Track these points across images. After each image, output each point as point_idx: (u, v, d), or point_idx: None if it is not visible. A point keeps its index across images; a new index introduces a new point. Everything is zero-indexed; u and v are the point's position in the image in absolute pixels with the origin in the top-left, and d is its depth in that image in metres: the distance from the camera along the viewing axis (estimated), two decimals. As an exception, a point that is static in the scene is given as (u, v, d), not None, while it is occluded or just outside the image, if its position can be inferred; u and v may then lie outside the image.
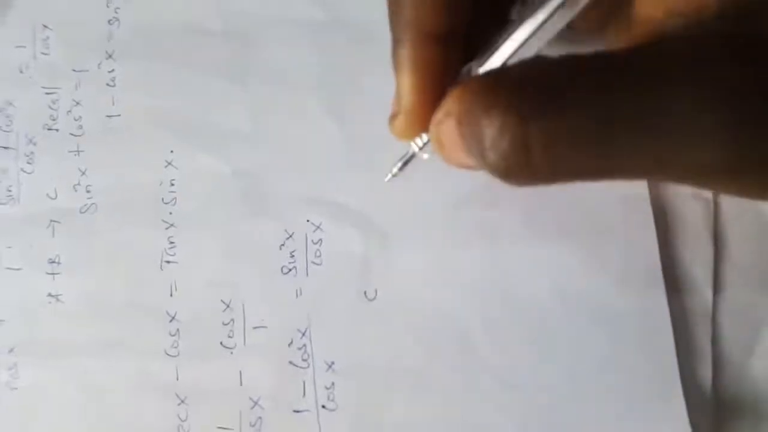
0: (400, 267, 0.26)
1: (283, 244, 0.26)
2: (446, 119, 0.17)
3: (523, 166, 0.15)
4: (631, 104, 0.15)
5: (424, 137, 0.20)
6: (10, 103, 0.29)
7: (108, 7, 0.29)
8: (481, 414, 0.24)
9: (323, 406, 0.25)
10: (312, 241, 0.26)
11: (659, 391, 0.24)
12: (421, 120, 0.19)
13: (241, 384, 0.25)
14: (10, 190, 0.28)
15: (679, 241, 0.25)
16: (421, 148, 0.20)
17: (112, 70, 0.28)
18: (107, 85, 0.28)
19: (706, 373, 0.24)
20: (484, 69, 0.18)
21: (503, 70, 0.16)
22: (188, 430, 0.25)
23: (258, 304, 0.26)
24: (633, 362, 0.24)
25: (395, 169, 0.21)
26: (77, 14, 0.29)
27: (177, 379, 0.26)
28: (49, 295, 0.27)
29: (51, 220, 0.27)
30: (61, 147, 0.28)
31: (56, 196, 0.28)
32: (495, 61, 0.17)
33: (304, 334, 0.25)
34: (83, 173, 0.28)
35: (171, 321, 0.26)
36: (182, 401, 0.25)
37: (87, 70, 0.28)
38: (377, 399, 0.25)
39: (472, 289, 0.25)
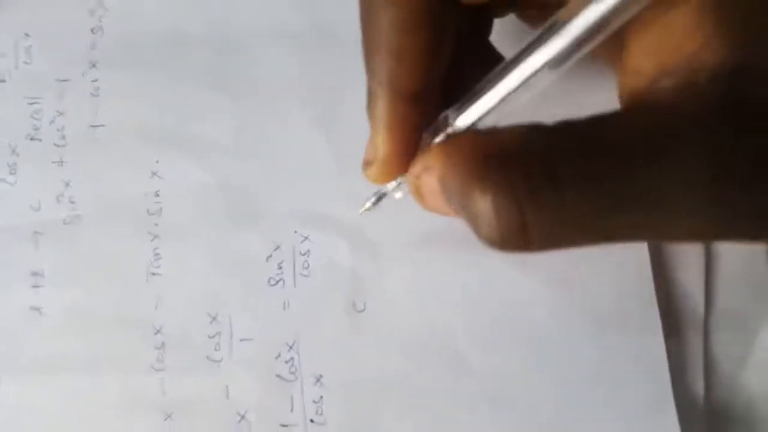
0: (388, 278, 0.25)
1: (270, 256, 0.26)
2: (426, 174, 0.17)
3: (518, 242, 0.15)
4: (627, 186, 0.15)
5: (399, 180, 0.20)
6: (-8, 113, 0.28)
7: (92, 15, 0.28)
8: (470, 427, 0.24)
9: (311, 420, 0.25)
10: (300, 252, 0.26)
11: (651, 403, 0.23)
12: (396, 169, 0.19)
13: (228, 398, 0.25)
14: (-9, 202, 0.27)
15: (670, 253, 0.24)
16: (394, 189, 0.20)
17: (96, 80, 0.28)
18: (91, 94, 0.28)
19: (698, 384, 0.24)
20: (462, 120, 0.17)
21: (492, 137, 0.16)
22: (174, 446, 0.25)
23: (245, 316, 0.26)
24: (625, 374, 0.24)
25: (368, 204, 0.21)
26: (60, 23, 0.28)
27: (163, 394, 0.25)
28: (32, 308, 0.26)
29: (34, 232, 0.27)
30: (44, 157, 0.27)
31: (39, 207, 0.27)
32: (474, 112, 0.17)
33: (291, 347, 0.25)
34: (67, 184, 0.27)
35: (156, 334, 0.26)
36: (169, 416, 0.25)
37: (70, 80, 0.28)
38: (366, 412, 0.24)
39: (461, 301, 0.25)
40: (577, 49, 0.15)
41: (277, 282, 0.26)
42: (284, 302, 0.26)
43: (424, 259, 0.25)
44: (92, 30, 0.28)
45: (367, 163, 0.20)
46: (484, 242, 0.16)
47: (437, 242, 0.25)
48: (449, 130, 0.17)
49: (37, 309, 0.26)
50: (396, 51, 0.18)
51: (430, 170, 0.17)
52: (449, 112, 0.18)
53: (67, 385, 0.25)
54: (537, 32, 0.15)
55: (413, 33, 0.17)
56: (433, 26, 0.17)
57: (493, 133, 0.16)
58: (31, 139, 0.28)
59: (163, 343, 0.26)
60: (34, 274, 0.27)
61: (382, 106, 0.18)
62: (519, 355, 0.24)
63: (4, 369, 0.26)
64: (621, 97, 0.17)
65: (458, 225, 0.25)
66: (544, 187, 0.15)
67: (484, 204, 0.15)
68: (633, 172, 0.15)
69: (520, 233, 0.15)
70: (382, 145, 0.19)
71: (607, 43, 0.15)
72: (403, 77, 0.18)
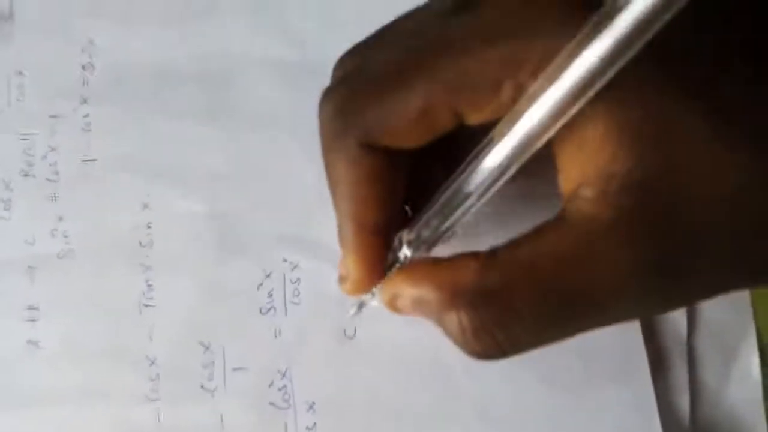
0: (378, 305, 0.26)
1: (261, 284, 0.26)
2: (398, 299, 0.21)
3: (495, 356, 0.19)
4: (569, 301, 0.18)
5: (374, 290, 0.22)
6: (-14, 150, 0.29)
7: (82, 52, 0.29)
8: (463, 448, 0.25)
9: (306, 447, 0.25)
10: (290, 280, 0.26)
11: (636, 421, 0.24)
12: (367, 286, 0.22)
13: (222, 427, 0.25)
14: (-14, 237, 0.28)
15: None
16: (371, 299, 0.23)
17: (87, 115, 0.28)
18: (83, 129, 0.28)
19: (683, 399, 0.24)
20: (412, 237, 0.20)
21: (454, 272, 0.19)
22: (171, 475, 0.25)
23: (237, 345, 0.26)
24: (611, 394, 0.24)
25: (352, 311, 0.23)
26: (52, 60, 0.29)
27: (158, 424, 0.25)
28: (29, 342, 0.27)
29: (29, 266, 0.27)
30: (37, 193, 0.28)
31: (34, 242, 0.28)
32: (426, 231, 0.20)
33: (284, 375, 0.26)
34: (60, 219, 0.28)
35: (151, 365, 0.26)
36: (165, 445, 0.25)
37: (62, 116, 0.29)
38: (359, 438, 0.25)
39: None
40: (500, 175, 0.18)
41: (268, 310, 0.26)
42: (275, 330, 0.26)
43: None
44: (83, 66, 0.29)
45: (341, 279, 0.22)
46: (463, 352, 0.19)
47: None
48: (403, 251, 0.21)
49: (34, 342, 0.27)
50: (356, 199, 0.20)
51: (398, 297, 0.21)
52: (403, 234, 0.21)
53: (64, 417, 0.26)
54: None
55: (369, 186, 0.20)
56: (386, 178, 0.20)
57: (449, 264, 0.19)
58: (25, 175, 0.28)
59: (157, 374, 0.26)
60: (30, 307, 0.27)
61: (349, 237, 0.21)
62: (509, 375, 0.25)
63: (1, 402, 0.26)
64: (561, 189, 0.18)
65: (447, 250, 0.26)
66: (510, 318, 0.18)
67: (460, 331, 0.19)
68: (567, 287, 0.17)
69: (496, 351, 0.19)
70: (353, 268, 0.21)
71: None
72: (365, 216, 0.20)
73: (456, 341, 0.19)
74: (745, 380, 0.24)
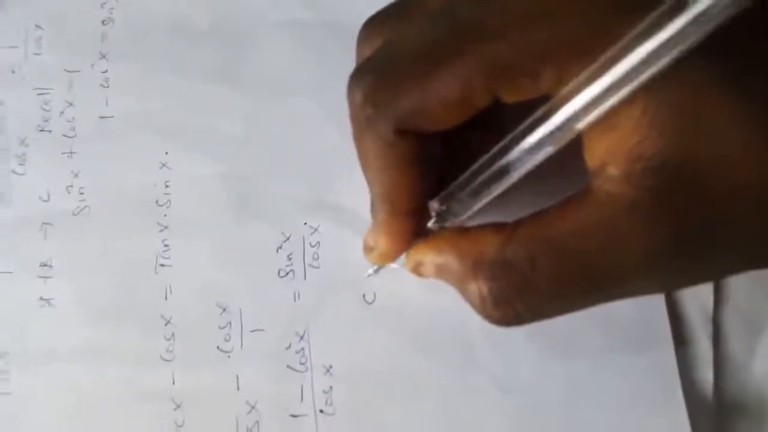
0: (399, 270, 0.25)
1: (280, 247, 0.26)
2: (422, 267, 0.21)
3: (513, 323, 0.19)
4: (589, 276, 0.18)
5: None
6: (2, 104, 0.28)
7: (102, 7, 0.28)
8: (479, 418, 0.24)
9: (321, 411, 0.25)
10: (310, 243, 0.26)
11: (659, 394, 0.24)
12: (395, 256, 0.22)
13: (238, 388, 0.25)
14: (1, 192, 0.27)
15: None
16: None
17: (106, 71, 0.28)
18: (101, 86, 0.28)
19: (707, 375, 0.24)
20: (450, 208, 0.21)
21: (477, 243, 0.19)
22: (184, 436, 0.25)
23: (255, 307, 0.26)
24: (632, 365, 0.24)
25: (371, 271, 0.24)
26: (70, 14, 0.28)
27: (173, 384, 0.25)
28: (41, 299, 0.26)
29: (43, 223, 0.27)
30: (53, 148, 0.27)
31: (49, 198, 0.27)
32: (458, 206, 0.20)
33: (302, 338, 0.25)
34: (76, 175, 0.27)
35: (166, 325, 0.26)
36: (178, 406, 0.25)
37: (80, 71, 0.28)
38: (375, 403, 0.25)
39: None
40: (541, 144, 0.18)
41: (287, 273, 0.26)
42: (294, 293, 0.26)
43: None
44: (102, 21, 0.28)
45: (367, 248, 0.23)
46: (482, 318, 0.20)
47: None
48: (432, 222, 0.21)
49: (47, 300, 0.26)
50: (388, 182, 0.20)
51: (422, 264, 0.21)
52: (433, 204, 0.21)
53: (77, 376, 0.25)
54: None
55: (404, 172, 0.20)
56: (421, 162, 0.20)
57: (474, 234, 0.20)
58: (41, 130, 0.28)
59: (173, 334, 0.26)
60: (43, 265, 0.27)
61: (382, 218, 0.21)
62: (527, 345, 0.25)
63: (14, 360, 0.26)
64: (587, 167, 0.18)
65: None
66: (529, 289, 0.18)
67: (480, 299, 0.19)
68: (588, 261, 0.18)
69: (515, 319, 0.19)
70: (382, 243, 0.22)
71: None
72: (398, 200, 0.21)
73: (476, 309, 0.20)
74: (770, 357, 0.24)
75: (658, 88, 0.16)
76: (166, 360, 0.25)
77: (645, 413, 0.24)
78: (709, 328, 0.24)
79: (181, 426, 0.25)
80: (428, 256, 0.21)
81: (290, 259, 0.26)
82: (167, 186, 0.27)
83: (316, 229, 0.26)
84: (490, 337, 0.25)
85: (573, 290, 0.18)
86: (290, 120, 0.27)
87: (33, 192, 0.27)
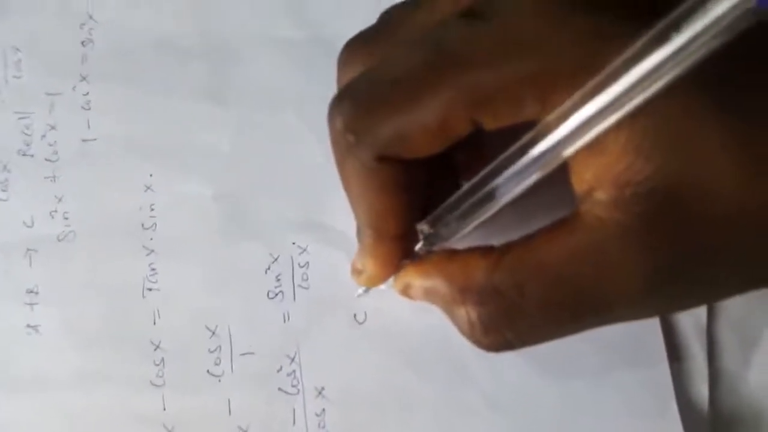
0: (389, 289, 0.25)
1: (268, 268, 0.26)
2: (410, 289, 0.21)
3: (503, 349, 0.19)
4: (579, 303, 0.18)
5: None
6: (-18, 129, 0.28)
7: (81, 28, 0.28)
8: (473, 434, 0.24)
9: (314, 433, 0.24)
10: (298, 264, 0.26)
11: (654, 408, 0.23)
12: (383, 279, 0.22)
13: (229, 413, 0.25)
14: (-16, 219, 0.27)
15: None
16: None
17: (87, 93, 0.28)
18: (82, 108, 0.28)
19: (702, 387, 0.24)
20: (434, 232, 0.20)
21: (464, 269, 0.19)
22: (177, 462, 0.24)
23: (245, 330, 0.25)
24: (626, 379, 0.24)
25: (360, 291, 0.24)
26: (50, 36, 0.28)
27: (164, 409, 0.25)
28: (28, 326, 0.26)
29: (28, 249, 0.27)
30: (36, 173, 0.27)
31: (33, 224, 0.27)
32: (444, 229, 0.20)
33: (293, 360, 0.25)
34: (60, 200, 0.27)
35: (155, 350, 0.25)
36: (170, 431, 0.25)
37: (61, 93, 0.28)
38: (368, 424, 0.24)
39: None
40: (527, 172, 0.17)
41: (276, 294, 0.26)
42: (284, 315, 0.25)
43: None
44: (82, 43, 0.28)
45: (356, 272, 0.22)
46: (472, 345, 0.20)
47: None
48: (420, 245, 0.21)
49: (33, 327, 0.26)
50: (373, 209, 0.20)
51: (410, 287, 0.21)
52: (422, 227, 0.20)
53: (66, 403, 0.25)
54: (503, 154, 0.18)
55: (387, 199, 0.20)
56: (403, 188, 0.20)
57: (462, 259, 0.20)
58: (23, 155, 0.27)
59: (162, 359, 0.25)
60: (29, 291, 0.26)
61: (368, 243, 0.21)
62: (520, 362, 0.24)
63: (1, 387, 0.25)
64: (574, 192, 0.18)
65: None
66: (518, 316, 0.18)
67: (468, 324, 0.19)
68: (577, 287, 0.18)
69: (504, 345, 0.19)
70: (369, 267, 0.22)
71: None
72: (382, 226, 0.20)
73: (465, 334, 0.20)
74: (765, 368, 0.24)
75: (647, 111, 0.16)
76: (156, 385, 0.25)
77: (640, 430, 0.23)
78: (704, 341, 0.24)
79: (173, 452, 0.24)
80: (416, 279, 0.21)
81: (279, 279, 0.26)
82: (152, 209, 0.26)
83: (304, 249, 0.26)
84: (482, 355, 0.24)
85: (563, 317, 0.18)
86: (278, 138, 0.27)
87: (16, 218, 0.27)
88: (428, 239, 0.20)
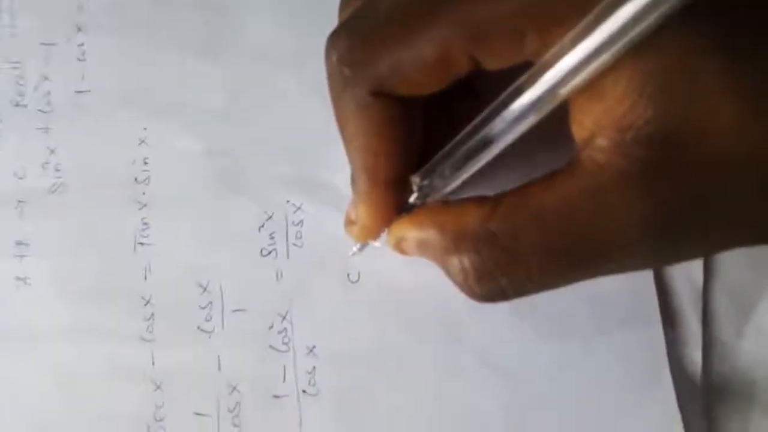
0: (383, 249, 0.25)
1: (262, 226, 0.25)
2: (404, 242, 0.21)
3: (497, 299, 0.19)
4: (574, 247, 0.17)
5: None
6: (-26, 79, 0.27)
7: (78, -24, 0.27)
8: (466, 397, 0.24)
9: (304, 391, 0.24)
10: (292, 222, 0.25)
11: (647, 371, 0.23)
12: (377, 231, 0.22)
13: (219, 369, 0.24)
14: (-26, 170, 0.27)
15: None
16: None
17: (82, 44, 0.27)
18: (77, 59, 0.27)
19: (695, 355, 0.24)
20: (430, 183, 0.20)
21: (458, 216, 0.19)
22: (164, 416, 0.24)
23: (237, 287, 0.25)
24: (620, 343, 0.24)
25: (355, 249, 0.23)
26: (45, -16, 0.28)
27: (152, 365, 0.25)
28: (17, 278, 0.26)
29: (18, 201, 0.26)
30: (28, 124, 0.27)
31: (24, 175, 0.26)
32: (439, 179, 0.20)
33: (284, 318, 0.25)
34: (52, 151, 0.26)
35: (146, 305, 0.25)
36: (158, 387, 0.24)
37: (56, 44, 0.27)
38: (360, 383, 0.24)
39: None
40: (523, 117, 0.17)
41: (270, 252, 0.25)
42: (277, 273, 0.25)
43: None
44: (78, -9, 0.27)
45: (349, 223, 0.22)
46: (466, 295, 0.19)
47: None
48: (414, 197, 0.20)
49: (22, 279, 0.26)
50: (369, 151, 0.20)
51: (403, 240, 0.21)
52: (415, 179, 0.20)
53: (54, 356, 0.25)
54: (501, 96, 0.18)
55: (382, 138, 0.19)
56: (399, 128, 0.19)
57: (457, 208, 0.19)
58: (16, 105, 0.27)
59: (152, 314, 0.25)
60: (19, 243, 0.26)
61: (362, 189, 0.20)
62: (515, 324, 0.24)
63: (-11, 339, 0.25)
64: (574, 139, 0.18)
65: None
66: (513, 263, 0.18)
67: (462, 274, 0.19)
68: (576, 234, 0.17)
69: (498, 294, 0.19)
70: (364, 216, 0.21)
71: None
72: (378, 169, 0.20)
73: (458, 284, 0.19)
74: (759, 337, 0.24)
75: (647, 54, 0.15)
76: (145, 340, 0.25)
77: (632, 393, 0.23)
78: (699, 308, 0.24)
79: (161, 407, 0.24)
80: (410, 231, 0.20)
81: (272, 237, 0.25)
82: (146, 163, 0.26)
83: (299, 208, 0.26)
84: (477, 314, 0.24)
85: (559, 264, 0.18)
86: (273, 94, 0.26)
87: (8, 169, 0.26)
88: (422, 191, 0.20)
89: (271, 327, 0.25)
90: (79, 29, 0.27)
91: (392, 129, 0.19)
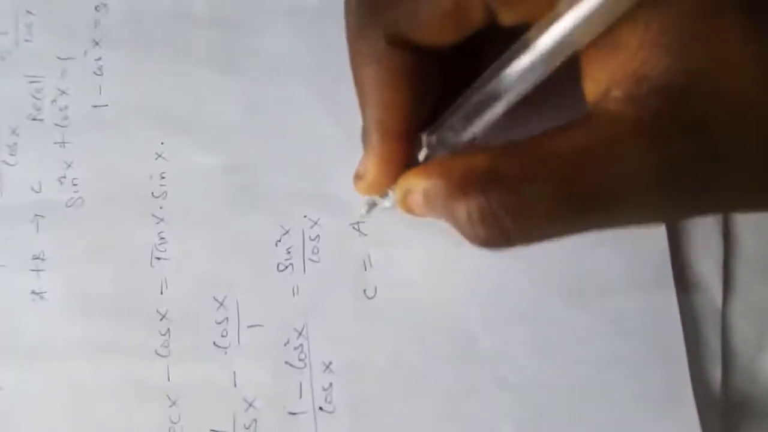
0: (400, 264, 0.25)
1: (279, 241, 0.25)
2: (411, 194, 0.20)
3: (501, 244, 0.18)
4: (582, 194, 0.17)
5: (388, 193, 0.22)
6: (-8, 92, 0.27)
7: (95, -8, 0.28)
8: (481, 415, 0.24)
9: (320, 408, 0.24)
10: (309, 237, 0.25)
11: (668, 392, 0.23)
12: (383, 188, 0.22)
13: (235, 385, 0.24)
14: (-9, 183, 0.27)
15: (688, 237, 0.24)
16: (383, 199, 0.23)
17: (99, 58, 0.27)
18: (94, 73, 0.27)
19: (715, 371, 0.23)
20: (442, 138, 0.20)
21: (466, 159, 0.18)
22: (180, 433, 0.24)
23: (253, 302, 0.25)
24: (641, 362, 0.23)
25: (363, 211, 0.23)
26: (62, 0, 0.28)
27: (168, 380, 0.25)
28: (33, 292, 0.26)
29: (35, 215, 0.26)
30: (45, 138, 0.27)
31: (41, 189, 0.26)
32: (450, 131, 0.20)
33: (300, 334, 0.25)
34: (69, 165, 0.26)
35: (162, 320, 0.25)
36: (173, 403, 0.24)
37: (73, 58, 0.27)
38: (376, 400, 0.24)
39: (473, 286, 0.25)
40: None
41: (286, 267, 0.25)
42: (293, 288, 0.25)
43: (436, 245, 0.25)
44: (96, 8, 0.28)
45: (357, 177, 0.22)
46: (471, 243, 0.19)
47: (448, 228, 0.25)
48: (423, 153, 0.20)
49: (39, 293, 0.26)
50: (382, 103, 0.20)
51: (411, 192, 0.20)
52: (424, 136, 0.20)
53: (69, 371, 0.25)
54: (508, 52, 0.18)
55: (396, 89, 0.19)
56: (414, 80, 0.19)
57: (465, 156, 0.19)
58: (33, 119, 0.27)
59: (168, 329, 0.25)
60: (35, 257, 0.26)
61: (373, 142, 0.20)
62: (531, 341, 0.24)
63: (5, 353, 0.25)
64: (586, 98, 0.18)
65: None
66: (520, 205, 0.17)
67: (467, 219, 0.18)
68: (586, 181, 0.17)
69: (502, 238, 0.18)
70: (372, 170, 0.21)
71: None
72: (390, 122, 0.20)
73: (463, 230, 0.19)
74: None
75: (665, 5, 0.15)
76: (161, 355, 0.25)
77: (653, 412, 0.23)
78: (718, 324, 0.24)
79: (176, 423, 0.24)
80: (417, 181, 0.20)
81: (289, 252, 0.25)
82: (163, 177, 0.26)
83: (316, 223, 0.26)
84: (493, 332, 0.24)
85: (565, 211, 0.18)
86: (290, 109, 0.26)
87: (24, 183, 0.27)
88: (432, 146, 0.20)
89: (287, 343, 0.25)
90: (97, 44, 0.27)
91: (407, 81, 0.19)
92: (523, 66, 0.17)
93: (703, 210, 0.19)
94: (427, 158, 0.20)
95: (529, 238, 0.18)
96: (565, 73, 0.17)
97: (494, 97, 0.18)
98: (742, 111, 0.16)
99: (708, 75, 0.16)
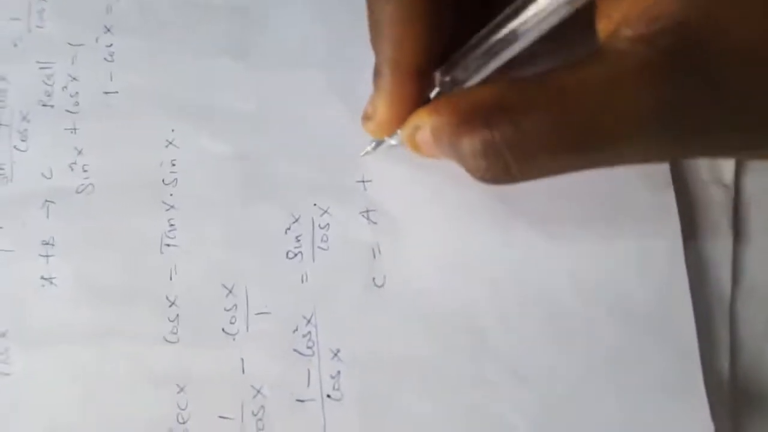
0: (409, 253, 0.25)
1: (288, 228, 0.25)
2: (419, 131, 0.20)
3: (504, 178, 0.19)
4: (587, 130, 0.17)
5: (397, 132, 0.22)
6: (4, 78, 0.27)
7: (107, -22, 0.28)
8: (490, 405, 0.24)
9: (328, 396, 0.24)
10: (319, 225, 0.25)
11: (679, 382, 0.23)
12: (392, 129, 0.22)
13: (243, 372, 0.24)
14: (2, 169, 0.27)
15: (698, 227, 0.24)
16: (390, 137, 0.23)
17: (111, 45, 0.27)
18: (105, 60, 0.27)
19: (723, 360, 0.23)
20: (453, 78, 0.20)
21: (472, 94, 0.19)
22: (187, 419, 0.24)
23: (262, 289, 0.25)
24: (652, 353, 0.23)
25: (369, 148, 0.24)
26: (75, -14, 0.28)
27: (177, 366, 0.25)
28: (42, 278, 0.26)
29: (45, 200, 0.26)
30: (56, 124, 0.27)
31: (51, 175, 0.26)
32: (461, 71, 0.20)
33: (309, 321, 0.25)
34: (80, 152, 0.27)
35: (170, 306, 0.25)
36: (181, 389, 0.24)
37: (84, 45, 0.27)
38: (384, 388, 0.24)
39: (484, 276, 0.25)
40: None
41: (296, 255, 0.25)
42: (302, 276, 0.25)
43: (447, 234, 0.25)
44: (107, -7, 0.28)
45: (366, 117, 0.22)
46: (475, 178, 0.19)
47: (459, 217, 0.25)
48: (435, 92, 0.20)
49: (48, 279, 0.26)
50: (396, 39, 0.20)
51: (418, 129, 0.20)
52: (437, 75, 0.20)
53: (78, 357, 0.25)
54: None
55: (410, 24, 0.19)
56: (428, 17, 0.19)
57: (473, 91, 0.19)
58: (44, 105, 0.27)
59: (177, 316, 0.25)
60: (45, 243, 0.26)
61: (385, 80, 0.21)
62: (542, 332, 0.24)
63: (14, 338, 0.25)
64: (598, 36, 0.18)
65: (482, 198, 0.25)
66: (523, 138, 0.18)
67: (471, 153, 0.18)
68: (586, 115, 0.17)
69: (505, 172, 0.18)
70: (382, 109, 0.21)
71: None
72: (403, 59, 0.20)
73: (467, 165, 0.19)
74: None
75: None
76: (170, 342, 0.25)
77: (664, 404, 0.23)
78: (726, 315, 0.24)
79: (184, 409, 0.24)
80: (425, 117, 0.20)
81: (299, 240, 0.25)
82: (173, 165, 0.26)
83: (325, 211, 0.25)
84: (503, 322, 0.24)
85: (568, 145, 0.18)
86: (301, 98, 0.26)
87: (35, 169, 0.27)
88: (444, 85, 0.20)
89: (295, 330, 0.25)
90: (108, 30, 0.27)
91: (420, 18, 0.19)
92: (538, 10, 0.17)
93: (700, 151, 0.19)
94: (438, 94, 0.21)
95: (530, 173, 0.19)
96: (579, 17, 0.17)
97: (513, 37, 0.18)
98: (752, 57, 0.16)
99: (719, 19, 0.16)
